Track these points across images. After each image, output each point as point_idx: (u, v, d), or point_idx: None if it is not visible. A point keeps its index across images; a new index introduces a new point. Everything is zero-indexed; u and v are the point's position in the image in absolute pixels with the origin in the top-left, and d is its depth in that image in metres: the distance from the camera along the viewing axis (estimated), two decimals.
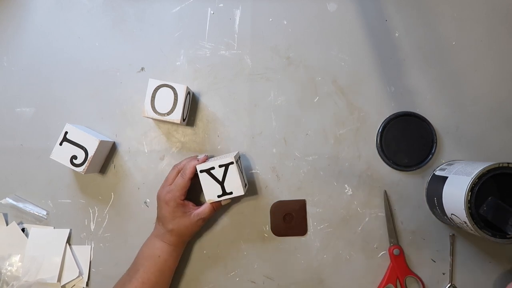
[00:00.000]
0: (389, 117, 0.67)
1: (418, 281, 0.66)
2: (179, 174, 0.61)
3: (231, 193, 0.61)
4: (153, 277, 0.59)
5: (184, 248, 0.64)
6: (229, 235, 0.67)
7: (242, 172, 0.63)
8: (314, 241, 0.67)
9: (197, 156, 0.65)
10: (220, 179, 0.60)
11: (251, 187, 0.67)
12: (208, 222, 0.67)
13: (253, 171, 0.68)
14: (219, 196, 0.61)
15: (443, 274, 0.66)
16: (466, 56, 0.68)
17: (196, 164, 0.61)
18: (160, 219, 0.62)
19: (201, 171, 0.60)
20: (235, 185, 0.60)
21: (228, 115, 0.68)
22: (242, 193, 0.61)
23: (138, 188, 0.68)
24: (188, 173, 0.61)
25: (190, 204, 0.62)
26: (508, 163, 0.53)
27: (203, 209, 0.61)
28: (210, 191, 0.61)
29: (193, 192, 0.65)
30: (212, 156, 0.67)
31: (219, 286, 0.67)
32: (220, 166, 0.60)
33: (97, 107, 0.69)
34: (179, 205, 0.60)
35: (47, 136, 0.68)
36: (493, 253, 0.66)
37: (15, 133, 0.69)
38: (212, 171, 0.60)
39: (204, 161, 0.62)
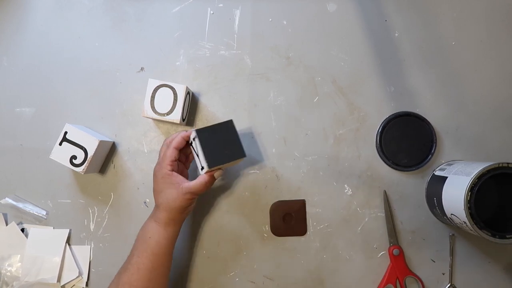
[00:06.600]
0: (389, 117, 0.67)
1: (417, 281, 0.66)
2: (165, 145, 0.59)
3: None
4: (147, 261, 0.56)
5: (177, 230, 0.59)
6: (229, 235, 0.67)
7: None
8: (314, 241, 0.67)
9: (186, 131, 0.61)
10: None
11: (250, 187, 0.67)
12: (208, 222, 0.67)
13: (253, 171, 0.67)
14: None
15: (443, 274, 0.66)
16: (466, 56, 0.68)
17: (184, 135, 0.57)
18: (154, 197, 0.59)
19: (194, 139, 0.55)
20: None
21: (228, 115, 0.68)
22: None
23: (138, 188, 0.68)
24: (174, 142, 0.57)
25: (180, 176, 0.57)
26: (508, 163, 0.53)
27: (195, 183, 0.56)
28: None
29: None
30: None
31: (219, 286, 0.67)
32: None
33: (97, 107, 0.69)
34: (165, 176, 0.56)
35: (47, 136, 0.68)
36: (493, 253, 0.66)
37: (15, 133, 0.69)
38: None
39: None
